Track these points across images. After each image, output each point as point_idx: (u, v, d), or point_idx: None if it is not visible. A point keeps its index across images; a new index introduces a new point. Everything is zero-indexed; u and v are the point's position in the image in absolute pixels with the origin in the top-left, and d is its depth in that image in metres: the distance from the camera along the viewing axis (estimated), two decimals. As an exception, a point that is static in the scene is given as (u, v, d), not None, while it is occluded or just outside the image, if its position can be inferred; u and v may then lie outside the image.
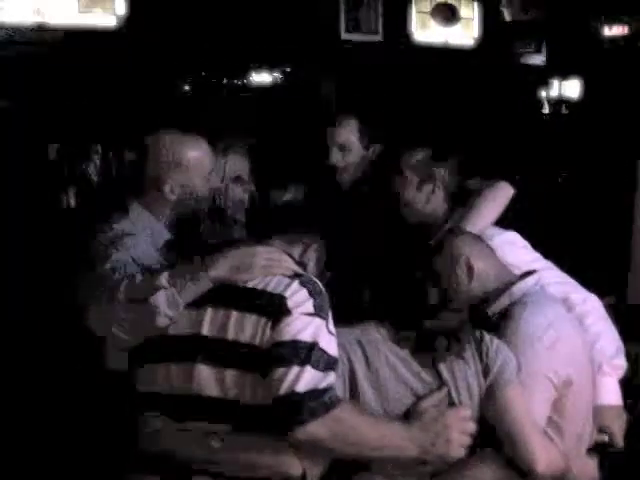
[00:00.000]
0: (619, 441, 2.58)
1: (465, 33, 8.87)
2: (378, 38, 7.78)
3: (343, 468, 2.03)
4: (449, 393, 2.10)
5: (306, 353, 1.90)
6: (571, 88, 10.30)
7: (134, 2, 6.18)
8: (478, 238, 2.61)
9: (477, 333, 2.17)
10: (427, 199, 2.92)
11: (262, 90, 7.43)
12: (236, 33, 6.60)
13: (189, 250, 2.31)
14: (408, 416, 2.05)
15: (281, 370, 1.89)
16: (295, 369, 1.89)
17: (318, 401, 1.87)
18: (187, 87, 7.14)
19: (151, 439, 2.10)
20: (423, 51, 8.23)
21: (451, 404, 2.09)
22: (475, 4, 8.87)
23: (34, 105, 6.06)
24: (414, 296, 2.15)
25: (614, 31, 9.35)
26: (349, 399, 2.02)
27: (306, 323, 1.94)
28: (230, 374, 1.97)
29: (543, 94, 10.21)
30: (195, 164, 2.59)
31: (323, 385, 1.89)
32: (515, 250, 2.72)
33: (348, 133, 3.33)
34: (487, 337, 2.17)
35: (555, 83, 10.28)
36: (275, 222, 2.28)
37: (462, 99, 7.92)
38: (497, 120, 8.07)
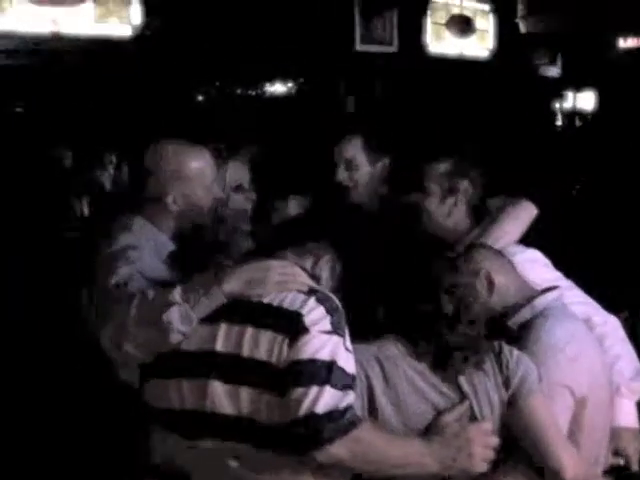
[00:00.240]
0: (635, 464, 2.55)
1: (480, 45, 8.86)
2: (393, 49, 7.79)
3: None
4: (470, 406, 2.07)
5: (325, 373, 1.86)
6: (585, 100, 10.27)
7: (150, 12, 6.18)
8: (499, 253, 2.58)
9: (496, 345, 2.14)
10: (449, 212, 2.88)
11: (276, 100, 7.41)
12: (251, 44, 6.60)
13: (194, 262, 2.29)
14: (429, 431, 2.03)
15: (299, 390, 1.84)
16: (314, 389, 1.84)
17: (338, 422, 1.83)
18: (201, 97, 7.13)
19: (163, 455, 2.09)
20: (438, 62, 8.22)
21: (472, 417, 2.07)
22: (491, 16, 8.86)
23: (49, 112, 6.07)
24: (430, 310, 2.12)
25: (629, 43, 9.32)
26: (368, 417, 2.00)
27: (324, 341, 1.89)
28: (245, 391, 1.93)
29: (557, 106, 10.19)
30: (198, 174, 2.55)
31: (343, 405, 1.85)
32: (537, 268, 2.69)
33: (354, 150, 3.23)
34: (506, 348, 2.14)
35: (570, 95, 10.26)
36: (285, 234, 2.25)
37: (476, 110, 7.91)
38: (511, 131, 8.04)
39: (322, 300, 1.94)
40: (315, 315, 1.90)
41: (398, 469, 1.95)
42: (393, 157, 3.30)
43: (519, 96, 8.57)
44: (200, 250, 2.49)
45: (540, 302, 2.40)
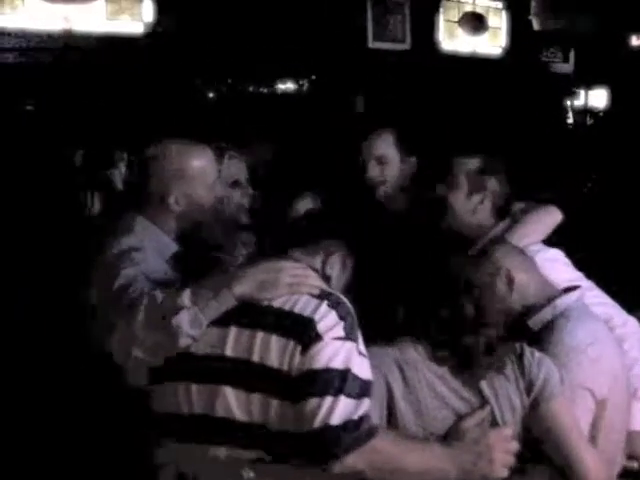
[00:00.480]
0: None
1: (493, 42, 8.82)
2: (405, 47, 7.76)
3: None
4: (491, 411, 2.04)
5: (339, 382, 1.82)
6: (597, 97, 10.24)
7: (161, 9, 6.16)
8: (520, 250, 2.54)
9: (517, 347, 2.11)
10: (474, 209, 2.86)
11: (288, 98, 7.39)
12: (262, 41, 6.58)
13: (197, 262, 2.26)
14: (449, 436, 2.00)
15: (314, 401, 1.81)
16: (328, 400, 1.81)
17: (354, 433, 1.80)
18: (213, 94, 7.11)
19: (169, 460, 2.06)
20: (450, 60, 8.18)
21: (494, 422, 2.04)
22: (503, 13, 8.82)
23: (61, 110, 6.06)
24: (450, 313, 2.08)
25: (641, 41, 9.29)
26: (388, 422, 1.97)
27: (337, 348, 1.86)
28: (256, 398, 1.89)
29: (569, 103, 10.15)
30: (200, 173, 2.52)
31: (359, 414, 1.82)
32: (557, 268, 2.65)
33: (386, 146, 3.25)
34: (528, 351, 2.10)
35: (581, 92, 10.22)
36: (297, 231, 2.20)
37: (489, 107, 7.87)
38: (523, 129, 8.01)
39: (334, 305, 1.90)
40: (328, 321, 1.86)
41: (417, 476, 1.92)
42: (418, 154, 3.28)
43: (531, 93, 8.53)
44: (203, 250, 2.45)
45: (561, 302, 2.37)
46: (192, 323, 1.93)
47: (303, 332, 1.86)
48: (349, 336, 1.88)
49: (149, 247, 2.40)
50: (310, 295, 1.93)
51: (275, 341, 1.88)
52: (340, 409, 1.80)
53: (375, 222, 2.96)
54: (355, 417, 1.81)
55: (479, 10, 8.65)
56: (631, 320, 2.65)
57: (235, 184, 2.92)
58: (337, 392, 1.81)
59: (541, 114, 8.66)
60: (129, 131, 6.23)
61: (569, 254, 2.86)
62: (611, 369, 2.32)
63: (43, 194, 5.54)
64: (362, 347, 1.92)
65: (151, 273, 2.26)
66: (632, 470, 2.49)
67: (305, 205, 2.99)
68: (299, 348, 1.85)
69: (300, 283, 1.96)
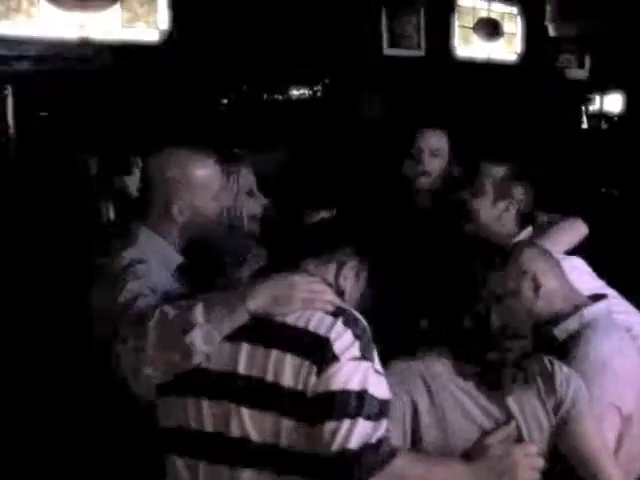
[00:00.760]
0: None
1: (508, 48, 8.79)
2: (421, 53, 7.74)
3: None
4: (518, 428, 2.01)
5: (356, 404, 1.79)
6: (612, 102, 10.20)
7: (177, 17, 6.17)
8: (548, 253, 2.50)
9: (546, 362, 2.07)
10: (499, 216, 2.84)
11: (302, 104, 7.38)
12: (278, 48, 6.57)
13: (203, 274, 2.22)
14: (473, 452, 1.97)
15: (331, 424, 1.78)
16: (346, 423, 1.77)
17: (373, 457, 1.76)
18: (228, 101, 7.11)
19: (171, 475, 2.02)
20: (465, 66, 8.16)
21: (520, 438, 2.01)
22: (518, 19, 8.79)
23: (76, 117, 6.07)
24: (476, 326, 2.05)
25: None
26: (412, 437, 1.95)
27: (354, 369, 1.82)
28: (269, 417, 1.86)
29: (584, 108, 10.12)
30: (204, 183, 2.49)
31: (377, 436, 1.78)
32: (581, 276, 2.62)
33: (441, 139, 3.32)
34: (556, 366, 2.07)
35: (596, 97, 10.19)
36: (308, 240, 2.14)
37: (504, 113, 7.85)
38: (538, 134, 7.98)
39: (349, 323, 1.87)
40: (344, 341, 1.83)
41: None
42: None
43: (546, 99, 8.49)
44: (208, 261, 2.42)
45: (588, 312, 2.33)
46: (205, 340, 1.89)
47: (319, 352, 1.83)
48: (365, 356, 1.85)
49: (153, 259, 2.37)
50: (324, 312, 1.90)
51: (290, 360, 1.84)
52: (358, 432, 1.77)
53: (405, 225, 2.95)
54: (374, 440, 1.77)
55: (494, 16, 8.62)
56: None
57: (250, 193, 2.91)
58: (355, 415, 1.78)
59: (556, 119, 8.63)
60: (143, 138, 6.23)
61: (585, 259, 2.84)
62: (635, 381, 2.28)
63: (58, 201, 5.55)
64: (378, 365, 1.89)
65: (156, 285, 2.23)
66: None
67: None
68: (315, 369, 1.82)
69: (314, 299, 1.92)
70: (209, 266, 2.31)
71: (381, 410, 1.82)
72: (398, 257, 2.67)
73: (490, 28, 8.53)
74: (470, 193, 2.86)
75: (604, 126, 10.30)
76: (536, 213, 2.97)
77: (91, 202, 6.07)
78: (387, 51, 7.52)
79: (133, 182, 6.63)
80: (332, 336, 1.84)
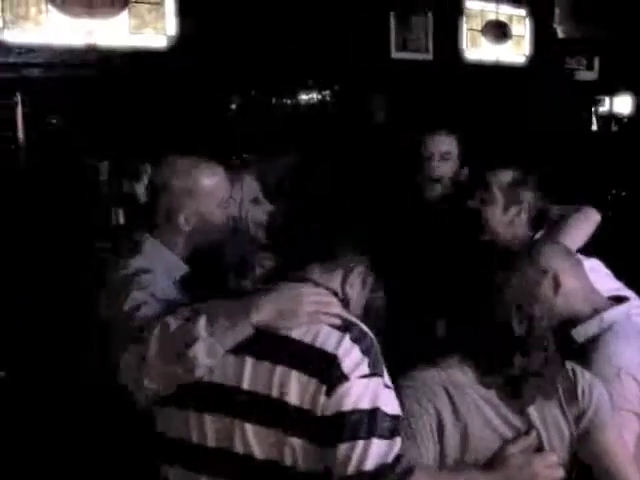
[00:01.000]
0: None
1: (517, 50, 8.76)
2: (429, 57, 7.72)
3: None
4: (539, 437, 1.99)
5: (369, 423, 1.76)
6: (622, 104, 10.16)
7: (184, 23, 6.17)
8: (569, 251, 2.47)
9: (569, 370, 2.05)
10: (511, 223, 2.84)
11: (311, 109, 7.37)
12: (285, 52, 6.57)
13: (207, 284, 2.20)
14: (493, 462, 1.95)
15: (345, 446, 1.75)
16: (360, 444, 1.74)
17: (390, 476, 1.74)
18: (236, 106, 7.10)
19: None
20: (474, 68, 8.13)
21: (541, 448, 1.99)
22: (527, 21, 8.76)
23: (85, 123, 6.08)
24: (499, 333, 2.02)
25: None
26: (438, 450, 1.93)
27: (364, 388, 1.79)
28: (275, 434, 1.83)
29: (593, 110, 10.08)
30: (211, 191, 2.48)
31: (392, 456, 1.76)
32: (601, 277, 2.60)
33: (450, 143, 3.32)
34: (579, 374, 2.04)
35: (606, 99, 10.15)
36: (314, 245, 2.10)
37: (513, 116, 7.82)
38: (547, 136, 7.95)
39: (357, 338, 1.82)
40: (353, 359, 1.78)
41: None
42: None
43: (555, 101, 8.46)
44: (214, 270, 2.41)
45: (608, 315, 2.30)
46: (208, 354, 1.87)
47: (327, 371, 1.79)
48: (374, 372, 1.82)
49: (158, 268, 2.36)
50: (331, 326, 1.87)
51: (295, 377, 1.81)
52: (374, 453, 1.74)
53: (418, 228, 2.93)
54: (389, 460, 1.75)
55: (502, 18, 8.59)
56: None
57: (255, 200, 2.89)
58: (368, 435, 1.75)
59: (565, 121, 8.60)
60: (153, 144, 6.24)
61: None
62: None
63: (68, 207, 5.56)
64: (387, 379, 1.86)
65: (160, 295, 2.22)
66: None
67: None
68: (324, 389, 1.78)
69: (321, 312, 1.89)
70: (214, 275, 2.28)
71: (394, 426, 1.80)
72: (409, 262, 2.65)
73: (498, 30, 8.50)
74: (480, 202, 2.84)
75: (614, 128, 10.25)
76: (548, 207, 2.95)
77: (101, 208, 6.07)
78: (395, 55, 7.49)
79: (142, 188, 6.64)
80: (340, 353, 1.80)
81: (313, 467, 1.80)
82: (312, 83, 7.27)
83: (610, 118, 10.20)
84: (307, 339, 1.84)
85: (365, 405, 1.77)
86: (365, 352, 1.82)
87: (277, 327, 1.87)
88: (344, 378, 1.78)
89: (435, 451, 1.93)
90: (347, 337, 1.83)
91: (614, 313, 2.32)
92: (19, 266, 5.08)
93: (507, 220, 2.84)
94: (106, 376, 2.16)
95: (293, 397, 1.80)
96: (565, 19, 8.74)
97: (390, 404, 1.82)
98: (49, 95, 5.77)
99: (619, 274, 2.89)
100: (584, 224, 2.92)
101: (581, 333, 2.30)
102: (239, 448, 1.86)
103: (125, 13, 5.91)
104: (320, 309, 1.88)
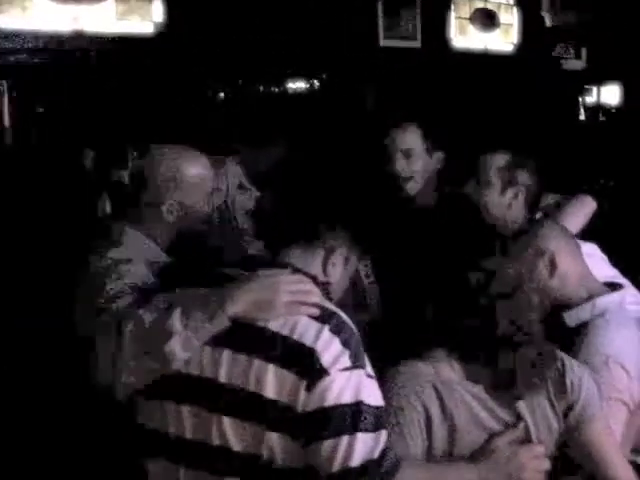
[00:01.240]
0: None
1: (505, 39, 8.76)
2: (417, 44, 7.70)
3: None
4: (527, 430, 1.99)
5: (352, 418, 1.71)
6: (610, 94, 10.17)
7: (171, 9, 6.14)
8: (567, 232, 2.45)
9: (558, 362, 2.05)
10: (509, 204, 2.82)
11: (299, 98, 7.35)
12: (272, 40, 6.55)
13: (189, 274, 2.17)
14: (479, 454, 1.95)
15: (329, 443, 1.70)
16: (344, 440, 1.70)
17: (377, 472, 1.70)
18: (223, 94, 7.08)
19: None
20: (462, 57, 8.13)
21: (529, 440, 1.99)
22: (515, 9, 8.76)
23: (70, 111, 6.04)
24: (487, 328, 2.01)
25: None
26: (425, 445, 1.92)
27: (346, 380, 1.74)
28: (253, 428, 1.78)
29: (581, 99, 10.09)
30: (197, 182, 2.44)
31: (378, 450, 1.72)
32: (596, 263, 2.58)
33: (413, 139, 3.16)
34: (568, 367, 2.03)
35: (593, 89, 10.16)
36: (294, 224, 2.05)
37: (501, 104, 7.82)
38: (535, 126, 7.95)
39: (337, 329, 1.77)
40: (332, 352, 1.73)
41: None
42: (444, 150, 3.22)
43: (543, 90, 8.46)
44: (195, 261, 2.37)
45: (601, 302, 2.27)
46: (184, 347, 1.83)
47: (306, 365, 1.74)
48: (355, 363, 1.77)
49: (138, 258, 2.32)
50: (310, 317, 1.81)
51: (273, 371, 1.76)
52: (359, 448, 1.70)
53: (400, 220, 2.91)
54: (375, 455, 1.71)
55: (490, 7, 8.58)
56: None
57: (241, 187, 2.87)
58: (352, 430, 1.71)
59: (553, 111, 8.60)
60: (139, 132, 6.22)
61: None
62: None
63: (55, 194, 5.53)
64: (369, 368, 1.81)
65: (139, 286, 2.19)
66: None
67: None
68: (304, 384, 1.74)
69: (299, 302, 1.83)
70: (194, 266, 2.24)
71: (378, 419, 1.76)
72: (395, 245, 2.64)
73: (487, 19, 8.49)
74: (473, 186, 2.83)
75: (602, 118, 10.26)
76: (543, 194, 2.95)
77: (88, 196, 6.05)
78: (383, 42, 7.48)
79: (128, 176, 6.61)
80: (319, 347, 1.75)
81: (294, 462, 1.76)
82: (300, 72, 7.24)
83: (598, 108, 10.21)
84: (285, 331, 1.79)
85: (348, 399, 1.73)
86: (345, 343, 1.77)
87: (254, 318, 1.82)
88: (324, 372, 1.73)
89: (423, 446, 1.92)
90: (326, 329, 1.78)
91: (607, 300, 2.30)
92: (5, 256, 5.05)
93: (505, 203, 2.83)
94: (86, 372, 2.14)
95: (270, 392, 1.76)
96: (552, 7, 8.74)
97: (373, 395, 1.78)
98: (35, 82, 5.74)
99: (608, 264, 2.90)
100: (580, 211, 2.92)
101: (573, 317, 2.28)
102: (217, 441, 1.83)
103: (112, -1, 5.88)
104: (298, 299, 1.83)
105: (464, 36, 8.36)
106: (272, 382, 1.76)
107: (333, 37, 6.89)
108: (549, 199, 2.98)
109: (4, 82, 5.68)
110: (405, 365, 2.00)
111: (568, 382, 2.02)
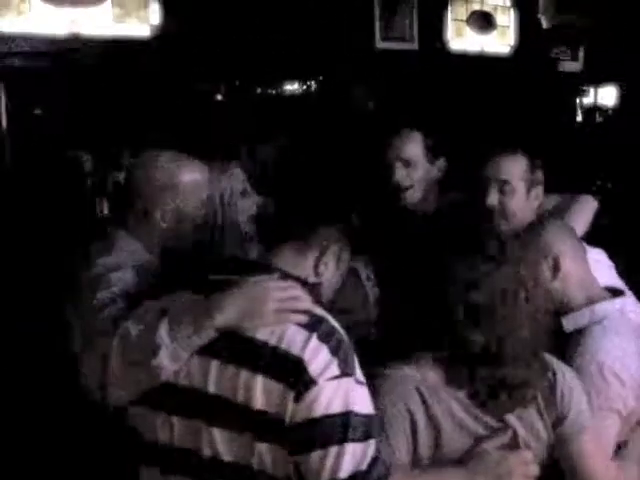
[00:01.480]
0: None
1: (501, 40, 8.75)
2: (414, 46, 7.70)
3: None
4: (515, 437, 1.99)
5: (341, 428, 1.69)
6: (607, 95, 10.17)
7: (168, 12, 6.13)
8: (574, 233, 2.43)
9: (550, 375, 2.03)
10: (534, 207, 2.79)
11: (295, 99, 7.35)
12: (269, 42, 6.54)
13: (180, 281, 2.16)
14: (467, 459, 1.95)
15: (317, 454, 1.69)
16: (333, 451, 1.68)
17: None
18: (220, 96, 7.07)
19: None
20: (459, 59, 8.12)
21: (516, 446, 1.99)
22: (511, 11, 8.76)
23: (68, 114, 6.04)
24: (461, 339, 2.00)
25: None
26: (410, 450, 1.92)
27: (334, 390, 1.72)
28: (241, 439, 1.78)
29: (577, 101, 10.09)
30: (191, 188, 2.42)
31: (367, 461, 1.69)
32: (601, 269, 2.56)
33: (413, 147, 3.08)
34: (560, 377, 2.02)
35: (590, 90, 10.15)
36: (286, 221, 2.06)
37: (498, 106, 7.82)
38: (531, 127, 7.95)
39: (325, 337, 1.75)
40: (320, 361, 1.71)
41: None
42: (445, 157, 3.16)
43: (540, 92, 8.46)
44: (187, 269, 2.36)
45: (601, 308, 2.24)
46: (172, 359, 1.82)
47: (294, 376, 1.73)
48: (344, 371, 1.76)
49: (129, 266, 2.31)
50: (298, 325, 1.80)
51: (261, 382, 1.75)
52: (347, 460, 1.68)
53: (399, 220, 2.88)
54: (364, 467, 1.69)
55: (487, 8, 8.57)
56: None
57: (244, 193, 2.86)
58: (341, 440, 1.69)
59: (550, 112, 8.59)
60: (136, 135, 6.21)
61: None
62: (638, 384, 2.23)
63: (53, 198, 5.52)
64: (359, 374, 1.79)
65: (129, 294, 2.17)
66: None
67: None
68: (292, 395, 1.72)
69: (288, 310, 1.81)
70: (185, 271, 2.23)
71: (368, 428, 1.73)
72: (394, 247, 2.63)
73: (483, 20, 8.49)
74: (499, 197, 2.77)
75: (598, 119, 10.26)
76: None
77: (86, 199, 6.04)
78: (380, 44, 7.47)
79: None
80: (306, 356, 1.74)
81: (284, 472, 1.75)
82: (296, 74, 7.23)
83: (595, 109, 10.20)
84: (272, 341, 1.78)
85: (337, 409, 1.71)
86: (334, 351, 1.75)
87: (242, 328, 1.81)
88: (312, 382, 1.72)
89: (408, 452, 1.92)
90: (314, 337, 1.76)
91: (607, 306, 2.26)
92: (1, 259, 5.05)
93: (532, 206, 2.80)
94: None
95: (259, 403, 1.75)
96: (549, 9, 8.73)
97: (363, 403, 1.77)
98: (32, 85, 5.74)
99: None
100: (585, 212, 2.90)
101: (571, 322, 2.25)
102: (207, 451, 1.82)
103: (108, 1, 5.87)
104: (286, 307, 1.81)
105: (461, 38, 8.36)
106: (260, 393, 1.75)
107: (329, 39, 6.88)
108: (546, 200, 2.96)
109: (1, 85, 5.67)
110: (390, 369, 1.99)
111: (558, 393, 2.00)
